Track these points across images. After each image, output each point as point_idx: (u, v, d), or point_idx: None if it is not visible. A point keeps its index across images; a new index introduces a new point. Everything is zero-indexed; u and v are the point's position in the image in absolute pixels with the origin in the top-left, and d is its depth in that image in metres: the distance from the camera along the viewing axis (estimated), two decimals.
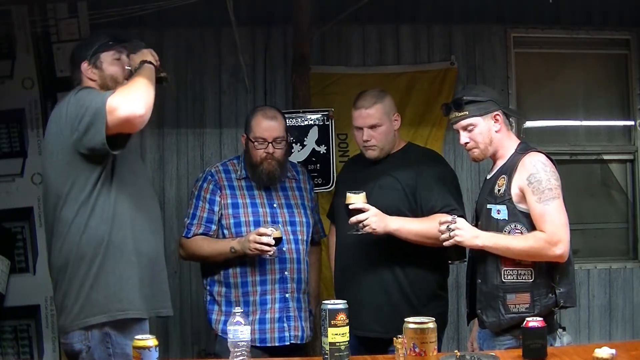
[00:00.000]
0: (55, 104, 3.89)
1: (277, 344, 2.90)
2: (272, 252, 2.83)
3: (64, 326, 2.44)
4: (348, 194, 2.79)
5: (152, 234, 2.56)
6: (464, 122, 2.65)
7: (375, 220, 2.75)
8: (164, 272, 2.61)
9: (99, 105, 2.30)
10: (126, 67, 2.55)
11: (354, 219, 2.76)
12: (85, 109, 2.33)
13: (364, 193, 2.79)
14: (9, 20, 3.93)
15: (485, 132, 2.63)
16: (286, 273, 2.95)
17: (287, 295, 2.93)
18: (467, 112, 2.63)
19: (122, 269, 2.40)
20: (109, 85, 2.54)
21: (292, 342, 2.92)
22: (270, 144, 2.95)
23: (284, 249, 2.94)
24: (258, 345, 2.86)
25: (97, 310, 2.37)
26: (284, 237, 2.92)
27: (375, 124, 2.94)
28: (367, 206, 2.77)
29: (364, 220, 2.75)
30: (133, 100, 2.29)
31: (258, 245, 2.79)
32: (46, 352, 4.03)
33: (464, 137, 2.66)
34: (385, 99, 3.00)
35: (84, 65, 2.53)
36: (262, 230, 2.82)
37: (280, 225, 2.92)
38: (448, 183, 2.92)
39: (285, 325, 2.92)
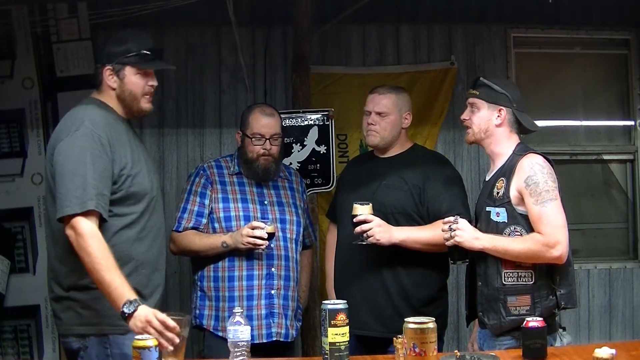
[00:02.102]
0: (55, 104, 3.96)
1: (265, 340, 2.90)
2: (264, 246, 2.84)
3: (59, 329, 2.45)
4: (354, 205, 2.79)
5: (153, 239, 2.54)
6: (470, 100, 2.69)
7: (379, 230, 2.76)
8: (163, 277, 2.60)
9: (69, 203, 2.25)
10: (147, 86, 2.49)
11: (358, 229, 2.77)
12: (63, 177, 2.28)
13: (371, 205, 2.79)
14: (9, 20, 3.93)
15: (485, 119, 2.63)
16: (273, 269, 2.95)
17: (272, 291, 2.94)
18: (477, 93, 2.66)
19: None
20: (126, 99, 2.49)
21: (275, 339, 2.92)
22: (267, 141, 2.97)
23: (272, 245, 2.94)
24: None
25: (93, 322, 2.37)
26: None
27: (383, 112, 2.96)
28: (372, 217, 2.77)
29: (368, 231, 2.75)
30: (82, 246, 2.22)
31: (251, 239, 2.81)
32: (46, 352, 4.03)
33: (465, 113, 2.70)
34: (401, 94, 3.04)
35: (107, 71, 2.48)
36: (255, 224, 2.83)
37: (271, 221, 2.93)
38: (455, 187, 2.92)
39: (271, 321, 2.92)
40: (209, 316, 2.96)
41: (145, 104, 2.53)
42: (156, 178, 2.63)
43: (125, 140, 2.46)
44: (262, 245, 2.83)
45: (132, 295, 2.22)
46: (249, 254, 2.92)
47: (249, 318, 2.87)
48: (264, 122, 3.00)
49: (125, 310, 2.18)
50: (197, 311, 3.00)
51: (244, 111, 3.16)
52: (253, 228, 2.82)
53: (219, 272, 2.95)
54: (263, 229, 2.82)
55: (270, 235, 2.84)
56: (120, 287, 2.22)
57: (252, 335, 2.79)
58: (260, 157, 2.98)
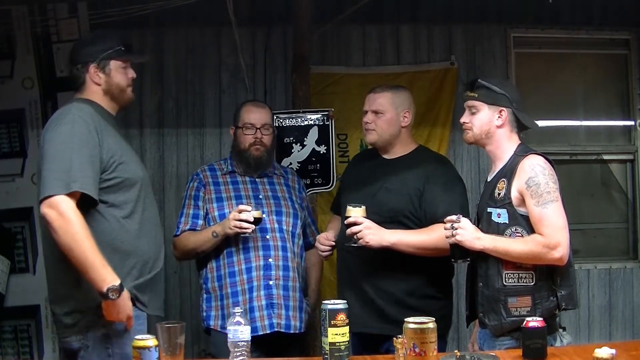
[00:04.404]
0: (55, 104, 3.96)
1: (268, 332, 2.91)
2: (250, 230, 2.86)
3: (63, 332, 2.43)
4: (347, 207, 2.80)
5: (154, 230, 2.56)
6: (469, 103, 2.67)
7: (369, 233, 2.76)
8: (162, 272, 2.61)
9: (52, 184, 2.28)
10: (129, 78, 2.59)
11: (348, 231, 2.79)
12: (48, 160, 2.33)
13: (364, 207, 2.80)
14: (9, 20, 3.93)
15: (486, 121, 2.62)
16: (270, 260, 2.97)
17: (270, 282, 2.95)
18: (476, 95, 2.64)
19: (117, 272, 2.38)
20: (114, 92, 2.55)
21: (276, 330, 2.92)
22: (258, 130, 3.05)
23: (268, 236, 2.98)
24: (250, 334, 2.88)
25: (96, 318, 2.36)
26: (268, 226, 2.99)
27: (379, 110, 2.96)
28: (362, 219, 2.77)
29: (357, 233, 2.76)
30: (64, 225, 2.25)
31: (237, 223, 2.84)
32: (46, 352, 4.03)
33: (465, 116, 2.68)
34: (399, 92, 3.03)
35: (92, 68, 2.52)
36: (242, 207, 2.88)
37: (265, 214, 2.97)
38: (454, 190, 2.90)
39: (271, 312, 2.93)
40: (215, 316, 2.98)
41: (130, 93, 2.64)
42: (145, 170, 2.66)
43: (113, 132, 2.50)
44: (247, 229, 2.86)
45: (116, 280, 2.29)
46: (245, 247, 2.95)
47: (251, 310, 2.91)
48: (254, 113, 3.09)
49: (110, 295, 2.27)
50: (204, 313, 3.02)
51: (236, 108, 3.22)
52: (240, 211, 2.86)
53: (220, 270, 2.98)
54: (250, 212, 2.85)
55: (257, 220, 2.88)
56: (103, 267, 2.28)
57: (255, 327, 2.86)
58: (252, 146, 3.05)
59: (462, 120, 2.69)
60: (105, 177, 2.40)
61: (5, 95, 4.01)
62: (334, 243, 3.02)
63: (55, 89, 4.00)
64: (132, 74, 2.62)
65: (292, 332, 2.98)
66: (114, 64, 2.55)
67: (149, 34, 4.32)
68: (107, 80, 2.54)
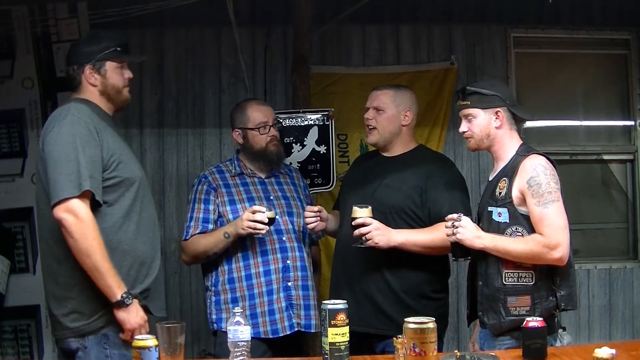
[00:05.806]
0: (55, 104, 3.97)
1: (288, 332, 2.91)
2: (264, 231, 2.84)
3: (62, 334, 2.43)
4: (354, 208, 2.80)
5: (152, 231, 2.56)
6: (464, 111, 2.66)
7: (378, 234, 2.76)
8: (161, 273, 2.60)
9: (64, 187, 2.28)
10: (125, 78, 2.57)
11: (356, 232, 2.77)
12: (55, 163, 2.32)
13: (370, 207, 2.79)
14: (9, 20, 3.93)
15: (484, 125, 2.62)
16: (288, 262, 2.96)
17: (289, 283, 2.94)
18: (469, 102, 2.64)
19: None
20: (110, 93, 2.54)
21: (297, 330, 2.93)
22: (271, 127, 3.07)
23: (284, 238, 2.97)
24: (271, 337, 2.88)
25: (95, 319, 2.38)
26: (282, 228, 2.98)
27: (379, 107, 2.98)
28: (370, 220, 2.77)
29: (366, 234, 2.76)
30: (82, 230, 2.27)
31: (251, 224, 2.81)
32: (46, 352, 4.03)
33: (463, 125, 2.67)
34: (401, 91, 3.05)
35: (88, 70, 2.52)
36: (256, 207, 2.84)
37: (278, 215, 2.95)
38: (457, 190, 2.91)
39: (291, 312, 2.93)
40: (227, 319, 2.92)
41: (127, 94, 2.63)
42: (143, 170, 2.66)
43: (112, 131, 2.51)
44: (262, 230, 2.83)
45: (125, 287, 2.34)
46: (262, 250, 2.94)
47: (271, 312, 2.90)
48: (263, 111, 3.09)
49: (126, 301, 2.32)
50: (214, 316, 2.99)
51: (234, 110, 3.17)
52: (254, 212, 2.83)
53: (233, 273, 2.95)
54: (264, 213, 2.82)
55: (271, 221, 2.84)
56: (116, 275, 2.33)
57: (276, 329, 2.88)
58: (269, 144, 3.04)
59: (460, 130, 2.68)
60: (106, 176, 2.40)
61: (5, 95, 4.01)
62: (319, 210, 3.00)
63: (55, 89, 4.01)
64: (128, 74, 2.60)
65: (313, 331, 2.99)
66: (109, 65, 2.53)
67: (149, 34, 4.33)
68: (102, 81, 2.53)
